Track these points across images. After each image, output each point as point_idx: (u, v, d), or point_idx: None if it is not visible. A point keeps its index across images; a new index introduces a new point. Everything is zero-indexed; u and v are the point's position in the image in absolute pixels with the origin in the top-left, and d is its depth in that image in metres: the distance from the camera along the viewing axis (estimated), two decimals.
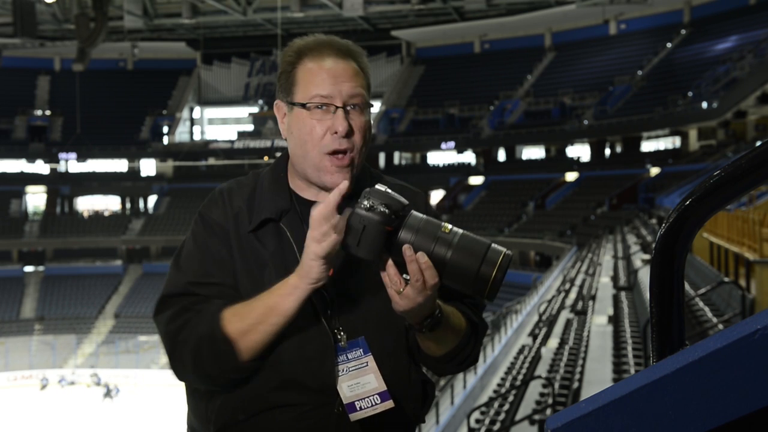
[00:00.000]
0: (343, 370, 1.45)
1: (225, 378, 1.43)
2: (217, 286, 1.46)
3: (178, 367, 1.45)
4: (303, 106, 1.46)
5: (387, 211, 1.30)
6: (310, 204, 1.50)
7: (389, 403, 1.46)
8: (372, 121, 1.55)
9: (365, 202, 1.32)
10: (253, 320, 1.39)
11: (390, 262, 1.33)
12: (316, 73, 1.46)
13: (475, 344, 1.55)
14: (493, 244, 1.30)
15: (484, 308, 1.62)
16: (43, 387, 33.02)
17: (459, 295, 1.52)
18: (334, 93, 1.45)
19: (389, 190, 1.34)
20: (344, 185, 1.36)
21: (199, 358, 1.41)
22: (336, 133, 1.44)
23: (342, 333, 1.46)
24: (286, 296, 1.38)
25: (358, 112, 1.47)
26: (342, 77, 1.46)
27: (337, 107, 1.45)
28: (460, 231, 1.32)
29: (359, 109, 1.47)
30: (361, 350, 1.47)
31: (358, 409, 1.45)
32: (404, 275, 1.33)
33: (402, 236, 1.31)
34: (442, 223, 1.33)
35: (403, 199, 1.34)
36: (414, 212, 1.33)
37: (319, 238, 1.33)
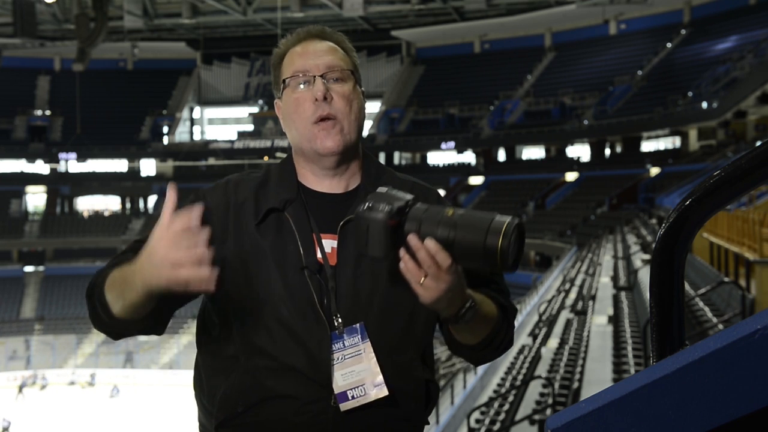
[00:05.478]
0: (338, 359, 1.45)
1: (107, 329, 1.46)
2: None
3: (88, 311, 1.49)
4: (284, 82, 1.53)
5: (388, 207, 1.32)
6: (316, 194, 1.54)
7: (382, 391, 1.45)
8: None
9: (366, 204, 1.34)
10: (114, 295, 1.40)
11: (406, 256, 1.32)
12: (296, 56, 1.54)
13: (507, 329, 1.55)
14: (497, 216, 1.29)
15: (509, 294, 1.61)
16: (43, 387, 33.06)
17: (484, 282, 1.53)
18: (310, 66, 1.52)
19: (392, 190, 1.36)
20: (194, 219, 1.25)
21: (89, 305, 1.47)
22: (316, 99, 1.49)
23: (339, 320, 1.46)
24: (130, 289, 1.35)
25: (339, 84, 1.52)
26: (319, 53, 1.53)
27: (315, 77, 1.51)
28: (463, 210, 1.32)
29: (341, 80, 1.52)
30: (358, 336, 1.46)
31: (349, 398, 1.43)
32: None
33: (406, 228, 1.32)
34: (446, 208, 1.33)
35: (406, 195, 1.35)
36: (418, 204, 1.34)
37: (150, 266, 1.28)
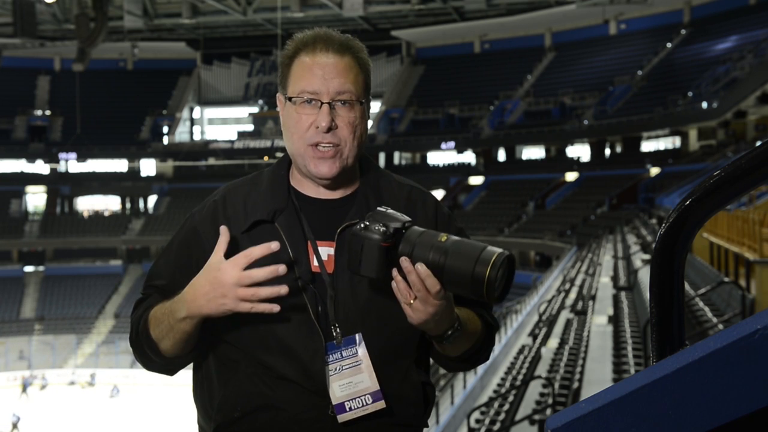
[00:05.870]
0: (336, 369, 1.44)
1: (158, 366, 1.54)
2: (157, 288, 1.54)
3: (133, 351, 1.57)
4: (290, 99, 1.49)
5: (383, 228, 1.34)
6: (311, 200, 1.52)
7: (380, 404, 1.44)
8: (370, 118, 1.56)
9: (362, 224, 1.35)
10: (162, 331, 1.46)
11: (398, 276, 1.34)
12: (307, 67, 1.47)
13: (489, 345, 1.58)
14: (489, 246, 1.31)
15: (492, 307, 1.63)
16: (43, 387, 33.05)
17: (471, 300, 1.54)
18: (321, 89, 1.46)
19: (390, 210, 1.38)
20: (275, 245, 1.38)
21: (137, 353, 1.54)
22: (318, 128, 1.46)
23: (338, 330, 1.45)
24: (181, 322, 1.44)
25: (346, 108, 1.47)
26: (332, 73, 1.46)
27: (322, 103, 1.46)
28: (457, 238, 1.34)
29: (348, 105, 1.47)
30: (356, 347, 1.45)
31: (347, 409, 1.43)
32: None
33: (400, 250, 1.34)
34: (440, 233, 1.35)
35: (403, 217, 1.37)
36: (414, 227, 1.36)
37: (251, 298, 1.37)
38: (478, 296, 1.31)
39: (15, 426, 26.68)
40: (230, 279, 1.36)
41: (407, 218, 1.37)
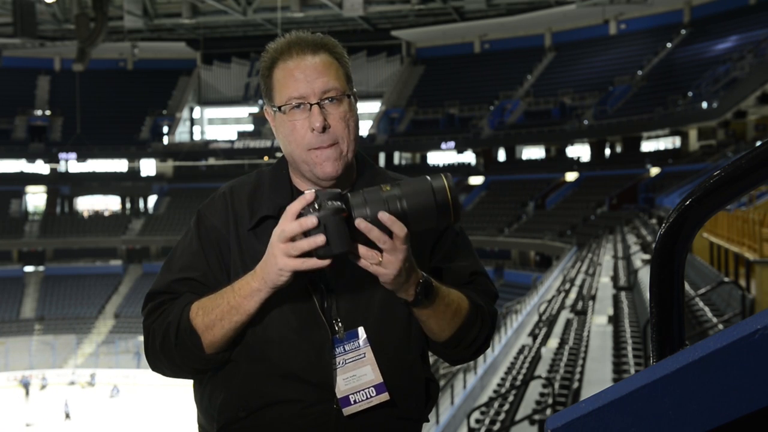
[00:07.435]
0: (339, 363, 1.46)
1: (189, 368, 1.48)
2: (193, 282, 1.50)
3: (151, 356, 1.51)
4: (279, 109, 1.49)
5: (335, 202, 1.34)
6: None
7: (384, 396, 1.46)
8: (358, 111, 1.57)
9: (312, 206, 1.34)
10: (216, 316, 1.42)
11: (359, 245, 1.34)
12: (288, 74, 1.48)
13: (481, 327, 1.55)
14: (430, 176, 1.36)
15: (497, 296, 1.63)
16: (43, 387, 33.05)
17: (466, 282, 1.56)
18: (306, 92, 1.47)
19: (320, 189, 1.39)
20: (310, 194, 1.35)
21: (166, 346, 1.46)
22: (314, 129, 1.46)
23: (340, 324, 1.47)
24: (247, 297, 1.41)
25: (335, 105, 1.48)
26: (313, 74, 1.47)
27: (311, 105, 1.47)
28: (398, 182, 1.37)
29: (336, 101, 1.48)
30: (359, 341, 1.47)
31: (352, 402, 1.45)
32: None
33: (356, 214, 1.34)
34: (381, 186, 1.36)
35: (335, 189, 1.38)
36: (351, 192, 1.37)
37: (293, 252, 1.34)
38: (446, 222, 1.36)
39: (68, 415, 27.86)
40: (275, 234, 1.37)
41: (338, 189, 1.38)
